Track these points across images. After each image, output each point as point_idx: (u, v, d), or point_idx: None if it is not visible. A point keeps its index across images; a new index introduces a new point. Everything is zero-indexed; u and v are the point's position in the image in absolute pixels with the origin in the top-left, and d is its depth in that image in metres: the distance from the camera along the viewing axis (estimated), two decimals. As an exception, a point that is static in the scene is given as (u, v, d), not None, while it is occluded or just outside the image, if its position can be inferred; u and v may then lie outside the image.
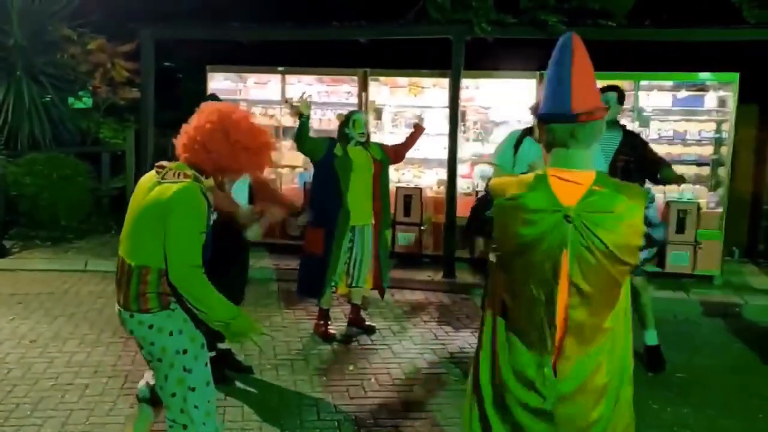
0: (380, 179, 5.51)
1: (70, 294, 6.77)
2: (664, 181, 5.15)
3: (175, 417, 2.93)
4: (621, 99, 5.12)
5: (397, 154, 5.84)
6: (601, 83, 7.56)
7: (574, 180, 2.04)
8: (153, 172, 2.92)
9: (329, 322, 5.73)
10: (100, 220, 9.52)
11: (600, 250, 2.00)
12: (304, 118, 5.27)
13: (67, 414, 4.17)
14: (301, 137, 5.31)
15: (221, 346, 4.66)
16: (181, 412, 2.91)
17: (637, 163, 4.87)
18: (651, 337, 5.06)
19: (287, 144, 8.70)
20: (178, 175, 2.82)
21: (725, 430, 4.22)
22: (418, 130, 5.95)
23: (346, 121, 5.46)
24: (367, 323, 5.85)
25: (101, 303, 6.46)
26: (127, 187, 9.57)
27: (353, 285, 5.63)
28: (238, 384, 4.66)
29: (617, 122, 5.13)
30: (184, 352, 2.89)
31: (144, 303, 2.82)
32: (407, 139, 5.98)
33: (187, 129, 2.91)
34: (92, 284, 7.13)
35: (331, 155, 5.35)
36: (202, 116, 2.91)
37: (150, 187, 2.85)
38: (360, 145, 5.42)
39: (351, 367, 5.04)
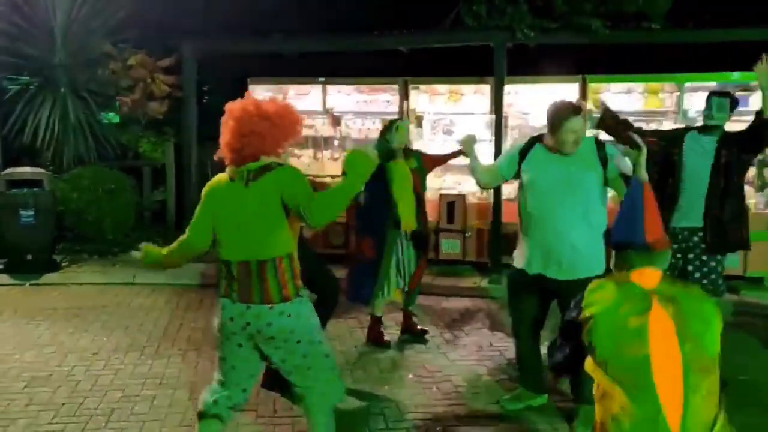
0: (420, 187, 5.57)
1: (123, 306, 6.87)
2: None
3: (310, 383, 3.23)
4: (733, 105, 5.00)
5: (433, 164, 5.95)
6: (642, 85, 7.55)
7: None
8: (226, 178, 3.17)
9: (383, 329, 5.78)
10: (143, 234, 9.60)
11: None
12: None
13: (140, 425, 4.24)
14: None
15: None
16: (316, 380, 3.23)
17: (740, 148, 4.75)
18: None
19: (327, 154, 8.79)
20: (264, 168, 3.08)
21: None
22: (458, 153, 5.96)
23: (389, 126, 5.49)
24: (419, 328, 5.88)
25: (155, 315, 6.55)
26: (167, 201, 9.71)
27: (405, 290, 5.67)
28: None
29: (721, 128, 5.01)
30: (317, 328, 3.26)
31: (286, 292, 3.08)
32: (446, 156, 6.06)
33: (230, 133, 3.13)
34: (142, 297, 7.23)
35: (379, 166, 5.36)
36: (235, 115, 3.13)
37: (238, 190, 3.08)
38: (398, 155, 5.44)
39: (410, 375, 5.07)
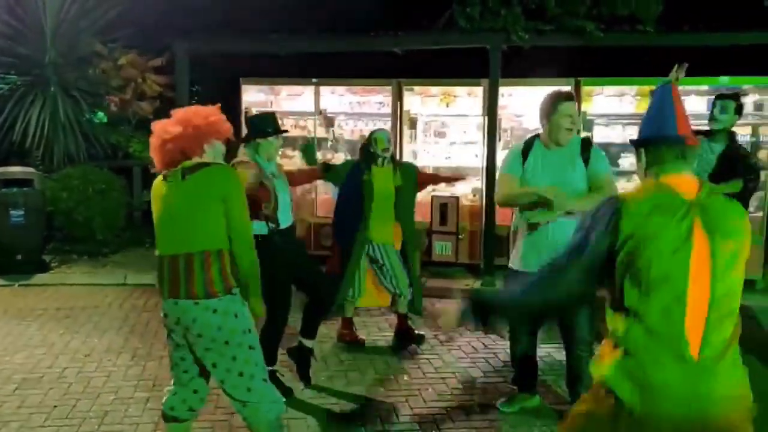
0: (399, 204, 5.48)
1: (114, 308, 6.82)
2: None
3: (244, 397, 3.14)
4: (739, 110, 5.12)
5: (427, 182, 6.17)
6: (635, 89, 7.57)
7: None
8: (162, 179, 3.24)
9: (355, 329, 5.83)
10: (134, 234, 9.58)
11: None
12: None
13: (134, 428, 4.21)
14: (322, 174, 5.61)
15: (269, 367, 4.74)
16: (248, 390, 3.14)
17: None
18: None
19: (319, 155, 8.75)
20: (201, 164, 3.17)
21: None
22: (453, 179, 6.53)
23: (368, 140, 5.49)
24: (416, 332, 5.85)
25: (146, 316, 6.51)
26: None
27: (398, 294, 5.64)
28: (298, 396, 4.67)
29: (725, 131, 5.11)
30: (249, 330, 3.18)
31: (212, 288, 3.05)
32: (440, 177, 6.53)
33: (151, 147, 3.26)
34: (134, 298, 7.18)
35: (357, 178, 5.41)
36: (154, 130, 3.27)
37: (174, 185, 3.14)
38: (387, 164, 5.44)
39: (406, 378, 5.06)
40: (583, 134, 7.77)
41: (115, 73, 9.65)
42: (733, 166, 5.04)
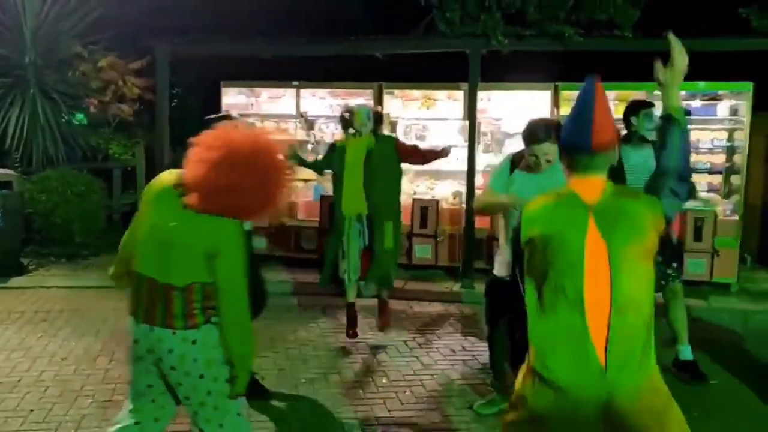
0: (367, 167, 5.48)
1: (93, 311, 6.78)
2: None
3: None
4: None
5: (411, 154, 5.80)
6: (614, 93, 7.71)
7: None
8: (171, 181, 2.78)
9: (352, 323, 5.82)
10: (113, 237, 9.49)
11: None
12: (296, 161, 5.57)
13: None
14: (309, 167, 5.78)
15: None
16: (221, 426, 2.85)
17: None
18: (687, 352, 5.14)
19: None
20: None
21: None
22: (442, 152, 5.92)
23: (349, 111, 5.63)
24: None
25: (126, 320, 6.45)
26: (137, 204, 9.59)
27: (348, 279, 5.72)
28: (278, 399, 4.68)
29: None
30: (223, 364, 2.83)
31: (191, 319, 2.73)
32: (428, 152, 5.99)
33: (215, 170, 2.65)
34: (113, 300, 7.09)
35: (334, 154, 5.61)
36: (233, 151, 2.67)
37: (176, 205, 2.71)
38: (363, 136, 5.51)
39: (384, 380, 5.08)
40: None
41: (95, 76, 9.61)
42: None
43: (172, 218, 2.72)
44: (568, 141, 2.42)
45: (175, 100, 10.18)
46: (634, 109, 5.18)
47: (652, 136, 5.16)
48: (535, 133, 3.88)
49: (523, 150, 4.17)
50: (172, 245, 2.72)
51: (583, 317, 2.21)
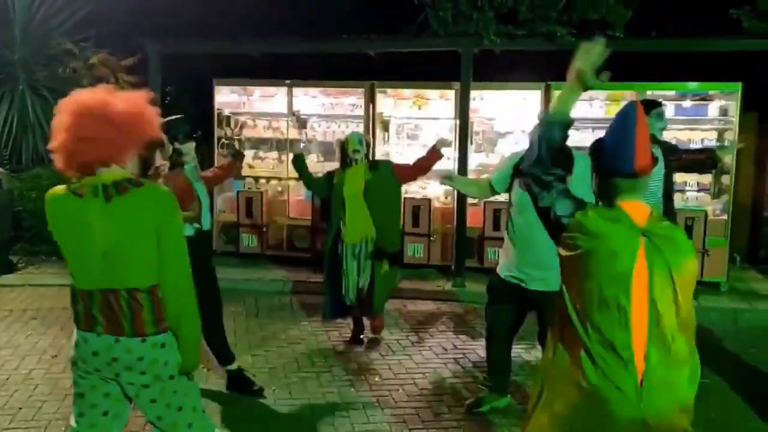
0: (367, 198, 5.46)
1: (83, 309, 6.73)
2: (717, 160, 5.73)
3: None
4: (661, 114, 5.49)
5: (408, 174, 5.72)
6: (605, 93, 7.75)
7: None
8: (68, 192, 2.59)
9: (359, 329, 5.92)
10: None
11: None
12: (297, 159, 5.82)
13: (101, 429, 4.17)
14: (302, 176, 5.81)
15: (231, 367, 4.82)
16: (189, 426, 2.79)
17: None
18: None
19: (292, 156, 8.75)
20: (127, 182, 2.58)
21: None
22: (436, 154, 5.69)
23: (345, 142, 5.59)
24: (362, 337, 5.95)
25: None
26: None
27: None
28: (270, 398, 4.68)
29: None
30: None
31: (160, 323, 2.64)
32: (424, 161, 5.72)
33: (64, 133, 2.54)
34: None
35: (331, 182, 5.62)
36: (72, 110, 2.55)
37: (96, 207, 2.54)
38: (360, 164, 5.48)
39: (377, 378, 5.07)
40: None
41: (86, 73, 9.52)
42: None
43: (104, 219, 2.54)
44: (611, 165, 2.40)
45: (168, 98, 10.09)
46: (645, 109, 5.21)
47: (662, 135, 5.48)
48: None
49: None
50: (122, 245, 2.56)
51: (628, 334, 2.24)
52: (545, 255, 3.92)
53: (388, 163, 5.85)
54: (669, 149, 5.52)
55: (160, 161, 4.43)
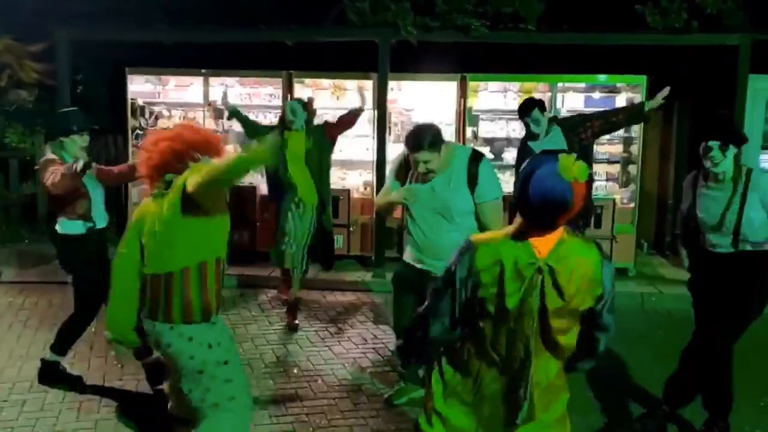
0: (310, 166, 6.06)
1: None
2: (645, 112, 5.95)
3: (211, 428, 2.99)
4: (543, 109, 5.81)
5: (339, 128, 6.52)
6: (518, 85, 7.94)
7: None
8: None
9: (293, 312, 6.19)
10: (10, 229, 9.11)
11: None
12: (232, 110, 6.61)
13: (8, 431, 4.04)
14: (246, 125, 6.54)
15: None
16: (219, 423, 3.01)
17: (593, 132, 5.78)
18: None
19: (227, 113, 8.58)
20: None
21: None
22: (357, 111, 6.65)
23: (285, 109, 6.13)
24: (296, 322, 6.11)
25: (24, 315, 6.22)
26: (37, 195, 9.18)
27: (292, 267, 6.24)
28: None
29: (551, 120, 5.79)
30: (224, 363, 3.01)
31: (189, 312, 2.91)
32: (349, 116, 6.60)
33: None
34: (10, 296, 6.83)
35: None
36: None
37: (157, 202, 2.99)
38: (300, 129, 6.01)
39: (296, 370, 5.08)
40: (469, 130, 8.05)
41: (-10, 59, 9.09)
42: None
43: (157, 211, 2.95)
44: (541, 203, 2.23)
45: (80, 87, 9.74)
46: (521, 113, 5.98)
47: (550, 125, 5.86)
48: (411, 144, 3.91)
49: None
50: (163, 232, 2.91)
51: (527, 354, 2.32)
52: (431, 242, 4.03)
53: (320, 127, 6.41)
54: (575, 124, 5.80)
55: (49, 156, 4.38)
